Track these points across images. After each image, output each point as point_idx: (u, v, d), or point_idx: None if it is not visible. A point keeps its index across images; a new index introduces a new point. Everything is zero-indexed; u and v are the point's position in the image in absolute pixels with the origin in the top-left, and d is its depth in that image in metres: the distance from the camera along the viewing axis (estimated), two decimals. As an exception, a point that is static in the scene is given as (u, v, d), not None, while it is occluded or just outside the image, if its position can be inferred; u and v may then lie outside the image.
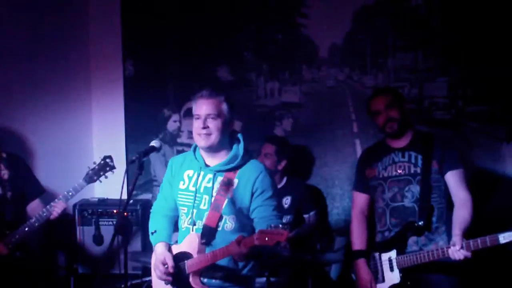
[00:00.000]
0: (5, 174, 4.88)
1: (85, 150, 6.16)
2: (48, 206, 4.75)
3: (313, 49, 5.90)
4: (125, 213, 3.90)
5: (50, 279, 5.06)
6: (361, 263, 4.57)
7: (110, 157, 4.82)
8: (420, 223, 4.39)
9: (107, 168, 4.80)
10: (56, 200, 4.75)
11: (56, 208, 4.73)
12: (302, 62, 5.94)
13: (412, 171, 4.49)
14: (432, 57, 5.64)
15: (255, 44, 6.03)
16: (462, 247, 4.08)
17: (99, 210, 5.61)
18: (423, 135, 4.59)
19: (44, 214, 4.71)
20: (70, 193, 4.76)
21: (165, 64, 6.18)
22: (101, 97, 6.31)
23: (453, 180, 4.41)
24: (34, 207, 4.94)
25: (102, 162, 4.79)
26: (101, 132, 6.34)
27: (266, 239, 3.46)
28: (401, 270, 4.37)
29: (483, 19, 5.47)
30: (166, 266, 3.86)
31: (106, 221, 5.58)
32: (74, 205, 5.66)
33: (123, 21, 6.21)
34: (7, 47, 5.42)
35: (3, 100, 5.32)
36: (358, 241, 4.66)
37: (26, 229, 4.72)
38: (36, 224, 4.72)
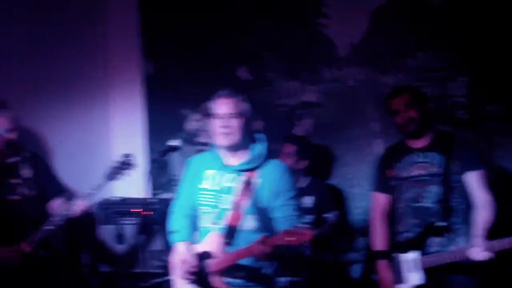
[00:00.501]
0: (28, 173, 4.91)
1: (104, 149, 6.18)
2: (69, 205, 4.77)
3: (332, 48, 5.90)
4: (147, 212, 3.89)
5: (74, 277, 5.07)
6: (383, 264, 4.55)
7: (130, 155, 4.81)
8: (440, 224, 4.38)
9: (128, 166, 4.80)
10: (77, 198, 4.78)
11: (78, 207, 4.75)
12: (321, 61, 5.94)
13: (432, 171, 4.46)
14: (452, 56, 5.61)
15: (275, 44, 6.03)
16: (484, 248, 4.06)
17: (121, 209, 5.63)
18: (444, 135, 4.57)
19: (66, 213, 4.74)
20: (91, 192, 4.77)
21: (185, 63, 6.18)
22: (120, 97, 6.33)
23: (474, 180, 4.39)
24: (56, 206, 4.96)
25: (123, 160, 4.79)
26: (120, 132, 6.35)
27: (290, 239, 3.47)
28: (422, 271, 4.35)
29: (503, 17, 5.44)
30: (187, 265, 3.87)
31: (128, 220, 5.60)
32: (96, 204, 5.69)
33: (142, 20, 6.23)
34: (24, 47, 5.44)
35: (22, 100, 5.33)
36: (379, 242, 4.64)
37: (49, 227, 4.73)
38: (59, 223, 4.74)
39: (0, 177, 4.84)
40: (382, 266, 4.55)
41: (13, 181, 4.86)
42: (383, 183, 4.70)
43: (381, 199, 4.71)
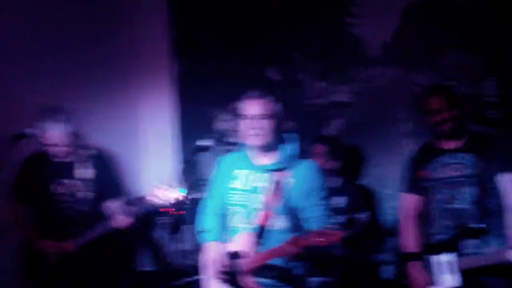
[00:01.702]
0: (88, 173, 4.95)
1: (132, 150, 6.21)
2: (116, 217, 4.83)
3: (363, 48, 5.88)
4: (177, 212, 3.90)
5: (106, 276, 5.11)
6: (415, 265, 4.51)
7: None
8: (475, 226, 4.33)
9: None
10: (123, 213, 4.82)
11: (121, 222, 4.82)
12: (352, 61, 5.92)
13: (465, 172, 4.41)
14: (484, 54, 5.55)
15: (305, 44, 6.02)
16: None
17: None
18: (477, 136, 4.51)
19: (110, 225, 4.81)
20: (139, 211, 4.81)
21: (214, 63, 6.20)
22: (150, 97, 6.37)
23: (506, 182, 4.35)
24: (111, 208, 4.99)
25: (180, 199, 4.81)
26: (150, 131, 6.39)
27: (321, 239, 3.46)
28: (455, 273, 4.31)
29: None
30: (218, 265, 3.87)
31: (159, 219, 5.62)
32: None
33: (172, 19, 6.26)
34: (53, 47, 5.49)
35: (50, 100, 5.37)
36: (410, 243, 4.59)
37: (93, 232, 4.81)
38: (101, 231, 4.82)
39: (58, 175, 4.93)
40: (414, 267, 4.50)
41: (71, 180, 4.94)
42: (414, 184, 4.65)
43: (411, 200, 4.67)
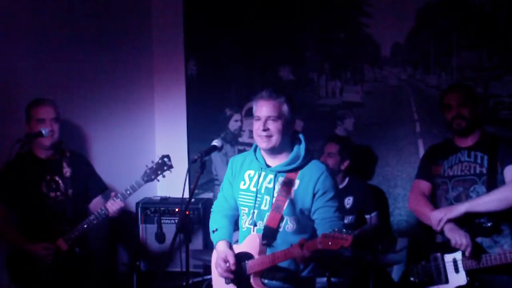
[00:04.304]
0: (68, 172, 4.98)
1: (147, 149, 6.22)
2: (106, 204, 4.81)
3: (375, 48, 5.84)
4: (187, 212, 3.90)
5: (112, 275, 5.11)
6: (449, 226, 4.38)
7: (168, 156, 4.80)
8: (488, 225, 4.32)
9: (165, 167, 4.78)
10: (114, 198, 4.82)
11: (113, 207, 4.79)
12: (364, 61, 5.89)
13: (478, 171, 4.43)
14: (498, 55, 5.52)
15: (317, 44, 6.00)
16: None
17: (162, 208, 5.65)
18: (491, 137, 4.53)
19: (103, 212, 4.79)
20: (128, 192, 4.81)
21: (227, 63, 6.20)
22: (164, 97, 6.37)
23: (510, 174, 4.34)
24: (96, 204, 5.02)
25: (160, 161, 4.78)
26: (163, 131, 6.40)
27: (330, 243, 3.44)
28: (467, 272, 4.29)
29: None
30: (227, 263, 3.87)
31: (168, 219, 5.62)
32: (137, 203, 5.72)
33: (186, 21, 6.25)
34: (70, 47, 5.51)
35: (67, 100, 5.39)
36: (428, 214, 4.50)
37: (85, 226, 4.81)
38: (95, 222, 4.81)
39: (44, 173, 4.93)
40: (449, 228, 4.38)
41: (55, 178, 4.95)
42: (427, 173, 4.66)
43: (422, 185, 4.67)
